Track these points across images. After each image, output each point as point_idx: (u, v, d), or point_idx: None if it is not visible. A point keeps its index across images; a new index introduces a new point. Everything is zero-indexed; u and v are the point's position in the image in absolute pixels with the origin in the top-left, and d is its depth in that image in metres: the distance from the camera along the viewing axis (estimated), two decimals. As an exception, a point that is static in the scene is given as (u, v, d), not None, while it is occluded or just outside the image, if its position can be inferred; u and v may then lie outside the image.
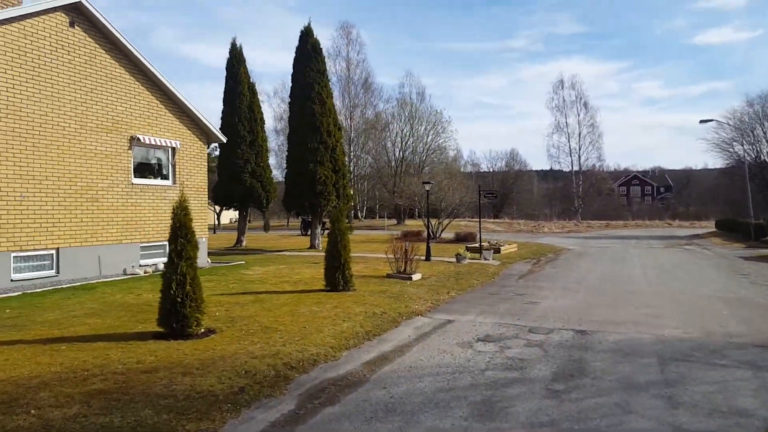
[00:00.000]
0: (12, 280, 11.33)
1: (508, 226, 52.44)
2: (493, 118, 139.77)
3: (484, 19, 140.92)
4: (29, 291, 10.89)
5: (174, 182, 15.53)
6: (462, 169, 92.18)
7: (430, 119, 58.78)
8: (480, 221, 21.34)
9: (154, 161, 15.28)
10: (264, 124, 24.25)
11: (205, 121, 16.32)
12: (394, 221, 54.24)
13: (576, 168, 65.29)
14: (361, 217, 63.99)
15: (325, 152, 21.24)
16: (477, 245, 22.72)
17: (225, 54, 55.36)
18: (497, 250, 21.79)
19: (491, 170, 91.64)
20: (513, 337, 7.81)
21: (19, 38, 11.47)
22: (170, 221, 7.48)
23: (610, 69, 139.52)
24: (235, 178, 22.71)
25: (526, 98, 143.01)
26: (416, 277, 13.37)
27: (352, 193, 22.56)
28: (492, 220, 63.77)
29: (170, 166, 15.51)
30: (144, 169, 14.84)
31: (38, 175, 11.85)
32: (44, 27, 11.95)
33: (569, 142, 64.69)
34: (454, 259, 17.97)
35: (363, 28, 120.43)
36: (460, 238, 29.29)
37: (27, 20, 11.57)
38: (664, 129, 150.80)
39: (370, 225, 52.88)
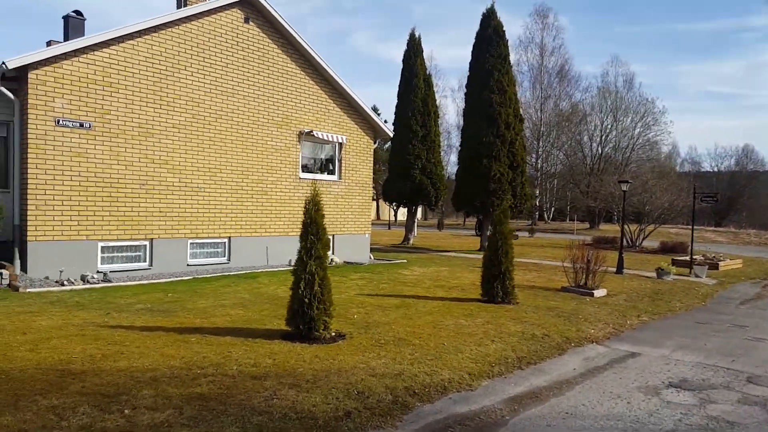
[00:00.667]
0: (188, 265, 12.15)
1: (733, 236, 44.11)
2: (724, 110, 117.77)
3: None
4: (201, 276, 11.53)
5: (340, 177, 15.49)
6: (678, 168, 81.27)
7: (638, 109, 52.19)
8: (693, 229, 17.59)
9: (321, 156, 15.41)
10: (438, 118, 23.39)
11: (373, 116, 16.01)
12: (587, 225, 49.48)
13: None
14: (548, 219, 59.89)
15: (501, 146, 19.59)
16: (687, 258, 18.88)
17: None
18: (713, 266, 17.77)
19: (715, 170, 78.67)
20: (722, 386, 5.60)
21: (198, 35, 12.24)
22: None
23: None
24: (404, 174, 22.29)
25: (765, 86, 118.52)
26: (599, 293, 11.14)
27: (530, 192, 20.34)
28: (712, 228, 54.37)
29: (336, 161, 15.50)
30: (311, 164, 15.03)
31: (213, 168, 12.57)
32: (221, 23, 12.62)
33: (823, 135, 51.88)
34: (653, 274, 14.94)
35: (564, 14, 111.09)
36: (666, 249, 25.07)
37: (206, 17, 12.29)
38: None
39: (558, 228, 49.02)
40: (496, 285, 9.03)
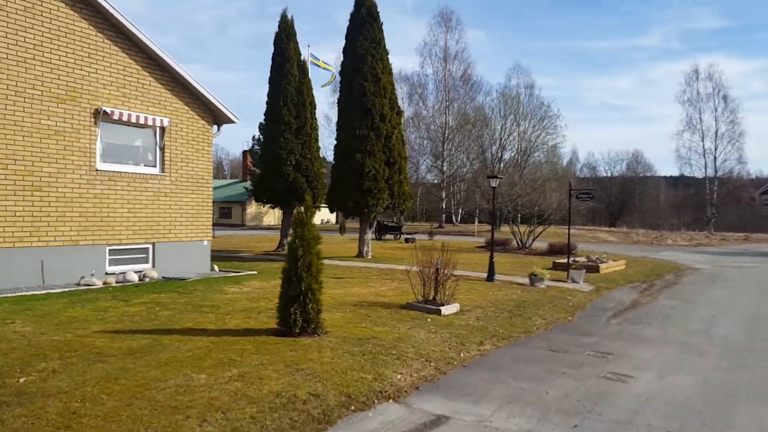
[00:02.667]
0: None
1: (624, 236, 45.20)
2: (620, 121, 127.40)
3: (614, 15, 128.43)
4: None
5: (162, 170, 12.61)
6: (578, 173, 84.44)
7: (536, 113, 52.78)
8: (569, 229, 16.35)
9: (136, 143, 12.45)
10: (315, 109, 20.92)
11: (208, 95, 13.26)
12: (489, 227, 49.12)
13: (710, 171, 55.45)
14: (456, 221, 59.37)
15: (376, 140, 17.46)
16: (569, 261, 17.69)
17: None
18: (594, 269, 16.61)
19: (609, 174, 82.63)
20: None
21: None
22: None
23: (756, 67, 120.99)
24: (276, 171, 19.63)
25: (656, 100, 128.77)
26: (449, 309, 9.12)
27: (410, 190, 18.38)
28: (606, 229, 56.02)
29: (157, 149, 12.61)
30: (117, 153, 12.02)
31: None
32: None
33: (703, 141, 55.08)
34: (527, 281, 13.33)
35: (479, 28, 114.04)
36: (554, 250, 24.18)
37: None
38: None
39: (463, 230, 48.24)
40: (294, 310, 6.64)
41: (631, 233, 47.23)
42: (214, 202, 62.76)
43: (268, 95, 20.39)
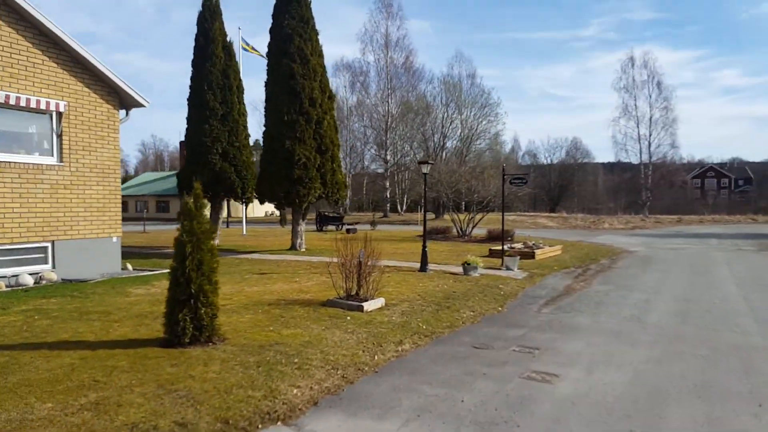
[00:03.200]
0: None
1: (563, 221, 46.20)
2: (560, 110, 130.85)
3: (554, 7, 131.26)
4: None
5: (60, 159, 11.30)
6: (519, 161, 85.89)
7: (477, 101, 52.91)
8: (503, 215, 16.06)
9: (29, 129, 11.08)
10: (243, 93, 19.70)
11: (112, 77, 11.98)
12: (433, 216, 49.08)
13: (645, 157, 57.38)
14: (401, 211, 59.08)
15: (306, 126, 16.53)
16: (503, 248, 17.46)
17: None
18: (530, 255, 16.42)
19: (549, 161, 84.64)
20: None
21: None
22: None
23: (687, 57, 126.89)
24: (201, 160, 18.38)
25: (594, 89, 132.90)
26: (373, 304, 8.45)
27: (344, 179, 17.59)
28: (546, 214, 57.28)
29: (54, 136, 11.27)
30: (5, 140, 10.64)
31: None
32: None
33: (638, 127, 56.71)
34: (462, 269, 12.86)
35: (424, 18, 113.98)
36: (492, 237, 23.99)
37: None
38: (744, 120, 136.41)
39: (407, 219, 47.92)
40: (182, 317, 5.76)
41: (569, 218, 48.36)
42: (151, 196, 59.93)
43: (192, 79, 19.02)
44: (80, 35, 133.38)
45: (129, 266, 13.32)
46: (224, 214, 20.09)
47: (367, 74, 54.89)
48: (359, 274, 8.69)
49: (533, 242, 19.51)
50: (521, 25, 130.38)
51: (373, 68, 54.91)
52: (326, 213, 34.33)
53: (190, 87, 18.99)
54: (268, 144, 17.20)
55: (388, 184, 54.18)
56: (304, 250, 17.64)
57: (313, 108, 16.70)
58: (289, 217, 48.27)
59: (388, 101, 52.76)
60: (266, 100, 17.27)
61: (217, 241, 19.25)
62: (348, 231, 30.11)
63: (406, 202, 60.88)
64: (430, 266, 13.44)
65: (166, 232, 29.34)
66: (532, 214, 55.45)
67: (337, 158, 17.59)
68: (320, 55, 17.40)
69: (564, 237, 27.87)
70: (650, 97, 55.88)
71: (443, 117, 52.92)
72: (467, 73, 54.99)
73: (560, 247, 19.36)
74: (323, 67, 17.56)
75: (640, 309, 9.26)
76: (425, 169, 12.62)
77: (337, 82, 60.46)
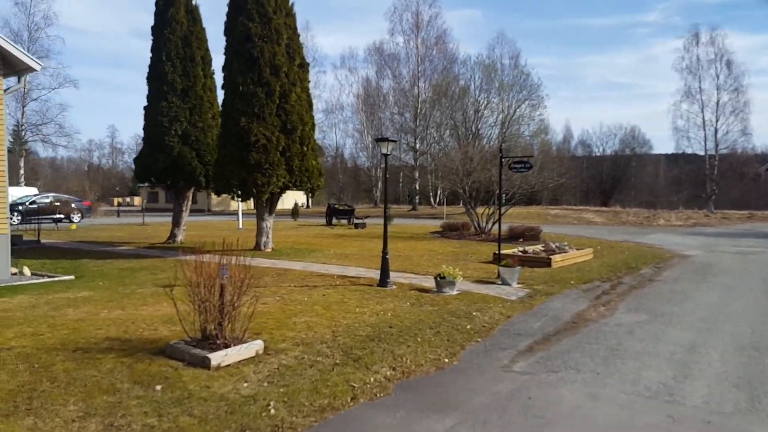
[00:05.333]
0: None
1: (612, 216, 41.38)
2: (619, 99, 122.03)
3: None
4: None
5: None
6: (572, 151, 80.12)
7: (516, 83, 48.44)
8: (500, 209, 12.59)
9: None
10: (210, 65, 16.85)
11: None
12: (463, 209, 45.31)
13: (710, 145, 51.16)
14: (434, 204, 55.40)
15: (266, 100, 13.47)
16: (515, 251, 13.89)
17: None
18: (542, 262, 12.80)
19: (602, 150, 78.55)
20: None
21: None
22: None
23: (762, 42, 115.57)
24: (157, 143, 15.69)
25: (656, 77, 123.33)
26: (236, 354, 5.31)
27: (318, 165, 14.44)
28: (595, 208, 51.92)
29: None
30: None
31: None
32: None
33: (703, 112, 50.53)
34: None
35: (475, 6, 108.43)
36: (515, 234, 20.37)
37: None
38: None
39: (435, 213, 44.20)
40: None
41: (621, 213, 43.35)
42: (140, 186, 58.41)
43: (151, 50, 16.31)
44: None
45: (26, 270, 10.73)
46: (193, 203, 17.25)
47: (397, 58, 51.42)
48: (222, 304, 5.53)
49: (558, 243, 15.75)
50: (578, 10, 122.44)
51: (402, 50, 51.39)
52: (336, 206, 31.30)
53: (150, 59, 16.29)
54: (223, 122, 14.28)
55: (417, 174, 50.62)
56: (269, 250, 14.65)
57: (275, 78, 13.60)
58: (316, 209, 45.53)
59: (417, 85, 49.15)
60: (223, 69, 14.30)
61: (180, 238, 16.59)
62: (356, 226, 27.04)
63: (440, 195, 57.12)
64: (404, 277, 10.25)
65: (160, 226, 27.12)
66: (579, 207, 50.59)
67: (311, 140, 14.45)
68: (289, 14, 14.27)
69: (606, 236, 23.76)
70: (717, 78, 49.55)
71: (477, 101, 48.67)
72: (510, 55, 50.49)
73: (591, 251, 15.53)
74: (293, 28, 14.41)
75: (678, 368, 5.69)
76: (384, 149, 9.30)
77: (369, 70, 57.43)
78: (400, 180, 59.97)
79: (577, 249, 15.22)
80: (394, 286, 9.53)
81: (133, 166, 16.78)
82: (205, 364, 5.05)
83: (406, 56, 50.87)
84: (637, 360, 5.94)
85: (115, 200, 62.03)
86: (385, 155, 9.48)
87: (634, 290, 10.50)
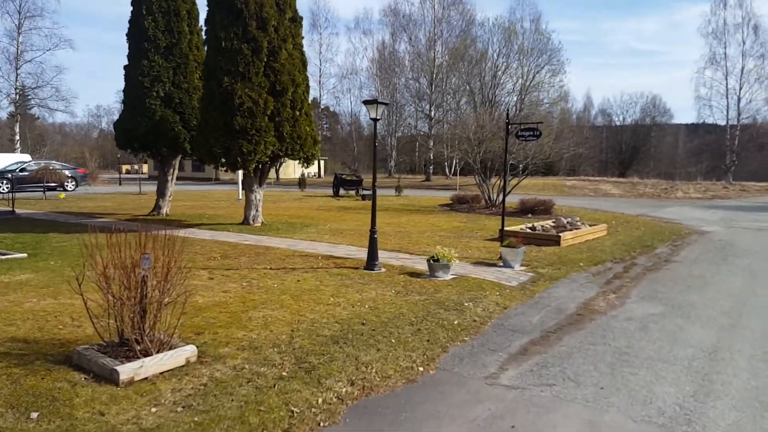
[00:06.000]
0: None
1: (629, 187, 39.94)
2: (643, 66, 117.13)
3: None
4: None
5: None
6: (592, 120, 77.56)
7: (536, 47, 46.25)
8: (505, 181, 11.49)
9: None
10: (197, 21, 15.54)
11: None
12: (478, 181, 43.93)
13: (733, 114, 48.81)
14: (449, 174, 53.98)
15: (253, 58, 12.33)
16: (520, 228, 12.87)
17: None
18: (551, 240, 11.74)
19: (622, 119, 75.91)
20: None
21: None
22: None
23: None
24: (138, 106, 14.66)
25: (681, 44, 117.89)
26: (154, 365, 4.40)
27: (312, 132, 13.35)
28: (613, 179, 50.07)
29: None
30: None
31: None
32: None
33: (726, 79, 48.02)
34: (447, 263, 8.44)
35: None
36: (526, 208, 19.32)
37: None
38: None
39: (449, 184, 42.85)
40: None
41: (638, 184, 41.79)
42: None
43: (131, 2, 15.09)
44: None
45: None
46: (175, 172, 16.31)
47: (413, 20, 49.32)
48: (142, 300, 4.60)
49: (570, 218, 14.63)
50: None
51: (417, 11, 49.27)
52: (344, 176, 30.22)
53: (131, 13, 15.08)
54: (206, 83, 13.20)
55: (432, 143, 49.13)
56: (258, 225, 13.73)
57: (263, 33, 12.42)
58: (318, 178, 44.39)
59: (434, 49, 47.20)
60: (205, 22, 13.11)
61: (165, 210, 15.72)
62: (363, 197, 26.04)
63: (455, 164, 55.68)
64: (397, 258, 9.37)
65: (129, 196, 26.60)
66: (595, 178, 48.94)
67: (304, 103, 13.32)
68: (281, -41, 12.94)
69: (623, 209, 22.56)
70: (744, 43, 46.87)
71: (496, 65, 46.64)
72: (531, 18, 48.08)
73: (605, 227, 14.43)
74: (286, -24, 13.11)
75: (698, 381, 4.72)
76: (373, 113, 8.20)
77: (384, 33, 55.40)
78: (416, 150, 58.51)
79: (590, 225, 14.12)
80: (383, 270, 8.57)
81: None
82: (112, 378, 4.15)
83: (421, 18, 48.82)
84: (649, 369, 4.96)
85: (123, 167, 61.35)
86: (374, 120, 8.37)
87: (649, 273, 9.45)
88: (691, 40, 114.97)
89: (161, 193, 15.87)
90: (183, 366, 4.53)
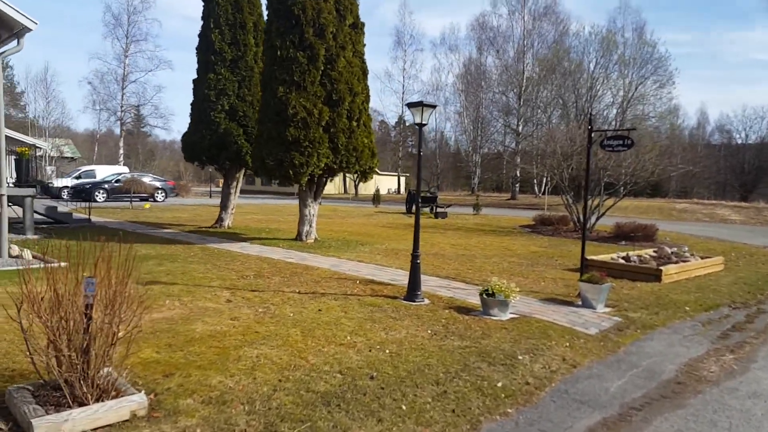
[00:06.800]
0: None
1: (755, 213, 35.13)
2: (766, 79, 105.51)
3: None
4: None
5: None
6: (707, 137, 70.77)
7: (638, 56, 42.68)
8: (586, 198, 9.58)
9: None
10: (263, 34, 14.96)
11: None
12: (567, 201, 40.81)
13: None
14: (539, 193, 51.02)
15: (309, 66, 11.50)
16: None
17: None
18: (650, 275, 9.62)
19: (744, 136, 68.37)
20: None
21: None
22: None
23: None
24: (203, 119, 14.36)
25: None
26: (91, 418, 3.35)
27: (369, 143, 12.29)
28: (732, 203, 44.35)
29: None
30: None
31: None
32: None
33: None
34: (511, 301, 6.87)
35: None
36: (622, 233, 16.91)
37: None
38: None
39: (536, 204, 40.14)
40: None
41: (764, 210, 36.62)
42: None
43: (202, 17, 14.95)
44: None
45: (26, 253, 9.73)
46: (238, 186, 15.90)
47: (500, 32, 47.46)
48: (84, 333, 3.59)
49: (676, 248, 12.25)
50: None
51: (505, 22, 47.34)
52: (413, 191, 28.93)
53: (200, 28, 14.95)
54: (262, 94, 12.54)
55: (519, 159, 46.59)
56: (311, 241, 12.77)
57: (320, 40, 11.56)
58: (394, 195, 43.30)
59: (523, 61, 45.01)
60: (264, 32, 12.53)
61: (227, 222, 15.28)
62: (437, 215, 24.56)
63: (545, 183, 52.53)
64: (449, 287, 7.93)
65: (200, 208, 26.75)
66: (711, 202, 43.78)
67: (362, 114, 12.29)
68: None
69: (745, 238, 19.31)
70: None
71: (593, 77, 43.44)
72: (633, 27, 44.56)
73: (721, 260, 11.91)
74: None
75: None
76: (417, 116, 6.83)
77: (470, 47, 54.13)
78: (503, 167, 56.10)
79: (702, 257, 11.69)
80: (425, 301, 7.14)
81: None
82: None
83: (510, 29, 46.88)
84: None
85: (220, 181, 64.30)
86: (420, 126, 7.03)
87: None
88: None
89: (224, 205, 15.50)
90: (126, 421, 3.48)
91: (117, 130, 46.14)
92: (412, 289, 7.11)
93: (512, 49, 46.70)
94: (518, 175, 46.79)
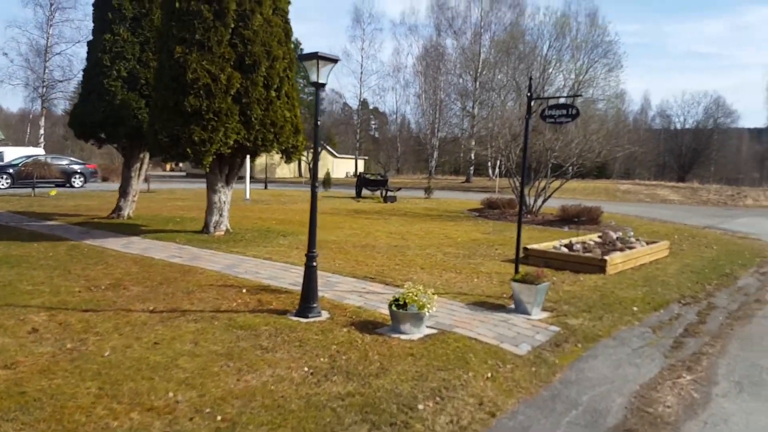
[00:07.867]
0: None
1: (690, 193, 35.65)
2: (706, 69, 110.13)
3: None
4: None
5: None
6: (649, 122, 72.19)
7: (589, 39, 42.40)
8: (523, 179, 8.47)
9: None
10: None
11: None
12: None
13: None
14: (492, 175, 50.39)
15: (215, 22, 9.73)
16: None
17: None
18: (593, 267, 8.57)
19: (682, 120, 70.16)
20: None
21: None
22: None
23: None
24: (95, 87, 12.37)
25: (749, 46, 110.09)
26: None
27: (292, 117, 10.63)
28: (670, 184, 45.06)
29: None
30: None
31: None
32: None
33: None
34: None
35: None
36: (568, 216, 16.03)
37: None
38: None
39: (488, 186, 39.18)
40: None
41: (700, 190, 37.24)
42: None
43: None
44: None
45: None
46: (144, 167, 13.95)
47: (459, 12, 46.21)
48: None
49: (621, 232, 11.30)
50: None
51: (463, 2, 46.10)
52: (367, 175, 27.45)
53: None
54: (158, 55, 10.70)
55: (473, 142, 45.77)
56: (220, 233, 11.12)
57: (231, -8, 9.77)
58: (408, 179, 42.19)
59: (479, 42, 43.99)
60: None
61: (126, 212, 13.34)
62: (386, 199, 23.19)
63: (498, 165, 51.98)
64: (366, 290, 6.53)
65: (162, 195, 24.59)
66: (652, 183, 44.34)
67: (283, 81, 10.62)
68: None
69: (685, 218, 18.94)
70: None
71: (546, 59, 42.92)
72: (587, 12, 44.29)
73: (667, 245, 11.07)
74: None
75: None
76: (313, 74, 5.32)
77: (430, 29, 52.75)
78: (461, 151, 55.22)
79: (647, 242, 10.80)
80: (323, 316, 5.71)
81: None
82: None
83: (468, 10, 45.72)
84: None
85: (167, 165, 59.94)
86: (316, 85, 5.53)
87: (738, 326, 6.29)
88: (762, 42, 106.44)
89: (123, 192, 13.39)
90: None
91: (52, 109, 42.27)
92: (306, 301, 5.66)
93: (470, 31, 45.50)
94: (473, 158, 46.12)
